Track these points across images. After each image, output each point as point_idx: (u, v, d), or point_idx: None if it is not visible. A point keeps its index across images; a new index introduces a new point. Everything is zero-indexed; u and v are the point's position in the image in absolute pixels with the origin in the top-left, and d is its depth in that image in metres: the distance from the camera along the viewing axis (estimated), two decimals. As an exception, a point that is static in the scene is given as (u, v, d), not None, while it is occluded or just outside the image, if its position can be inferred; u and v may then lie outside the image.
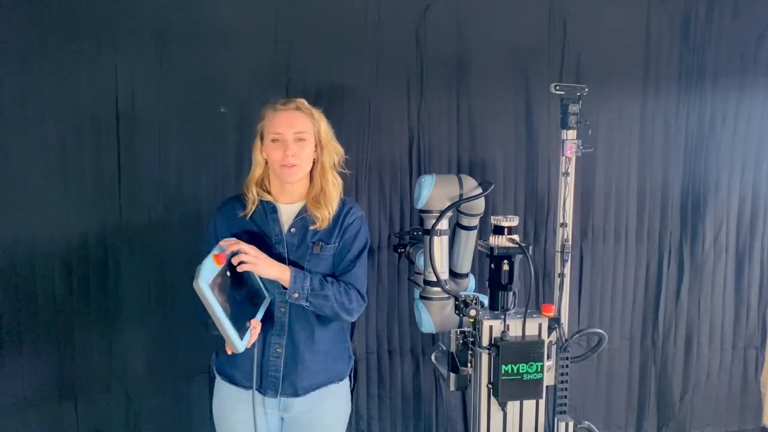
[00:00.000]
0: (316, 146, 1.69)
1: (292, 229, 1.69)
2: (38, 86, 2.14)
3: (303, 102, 1.70)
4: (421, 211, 1.98)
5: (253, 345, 1.59)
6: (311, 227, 1.69)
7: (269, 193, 1.71)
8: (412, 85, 2.51)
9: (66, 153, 2.20)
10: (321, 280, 1.66)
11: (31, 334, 2.19)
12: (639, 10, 2.60)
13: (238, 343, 1.49)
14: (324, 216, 1.68)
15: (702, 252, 2.71)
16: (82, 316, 2.26)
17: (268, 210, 1.70)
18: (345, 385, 1.81)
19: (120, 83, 2.23)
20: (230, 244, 1.55)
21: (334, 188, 1.71)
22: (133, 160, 2.28)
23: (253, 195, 1.69)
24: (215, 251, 1.51)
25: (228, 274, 1.51)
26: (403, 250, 2.26)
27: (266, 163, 1.70)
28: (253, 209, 1.69)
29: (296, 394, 1.70)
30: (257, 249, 1.58)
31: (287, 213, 1.71)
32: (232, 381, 1.72)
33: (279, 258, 1.66)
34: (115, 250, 2.29)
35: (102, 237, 2.27)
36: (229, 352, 1.55)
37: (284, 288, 1.61)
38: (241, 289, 1.57)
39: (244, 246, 1.55)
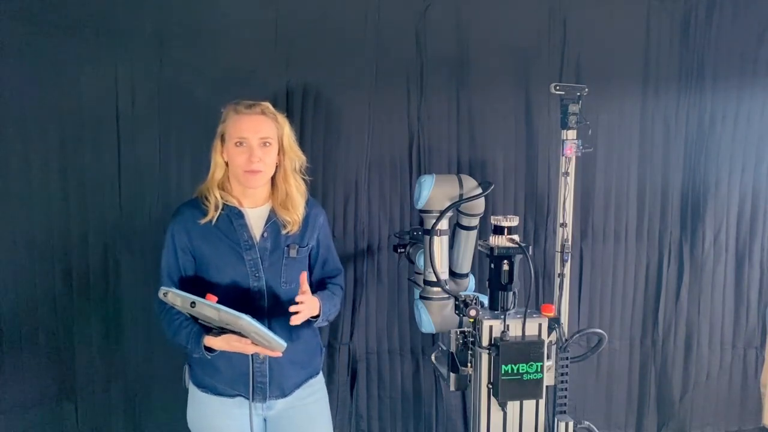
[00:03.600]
0: (279, 151, 1.68)
1: (265, 234, 1.67)
2: (38, 86, 2.14)
3: (268, 106, 1.68)
4: (421, 211, 1.98)
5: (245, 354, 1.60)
6: (283, 231, 1.68)
7: (231, 195, 1.68)
8: (412, 85, 2.51)
9: (66, 153, 2.20)
10: (330, 296, 1.71)
11: (31, 334, 2.19)
12: (639, 11, 2.60)
13: (282, 341, 1.52)
14: (294, 220, 1.68)
15: (702, 252, 2.71)
16: (82, 315, 2.26)
17: (234, 216, 1.66)
18: (321, 377, 1.84)
19: (120, 83, 2.23)
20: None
21: (299, 192, 1.71)
22: (133, 160, 2.28)
23: (215, 199, 1.64)
24: (198, 299, 1.47)
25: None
26: (403, 250, 2.26)
27: (226, 165, 1.67)
28: (217, 215, 1.64)
29: (283, 395, 1.71)
30: (308, 299, 1.60)
31: (255, 217, 1.69)
32: (215, 392, 1.70)
33: (253, 264, 1.64)
34: (115, 250, 2.29)
35: (102, 237, 2.27)
36: (279, 355, 1.54)
37: (313, 318, 1.65)
38: None
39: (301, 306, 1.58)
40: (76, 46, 2.17)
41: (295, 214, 1.68)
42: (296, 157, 1.72)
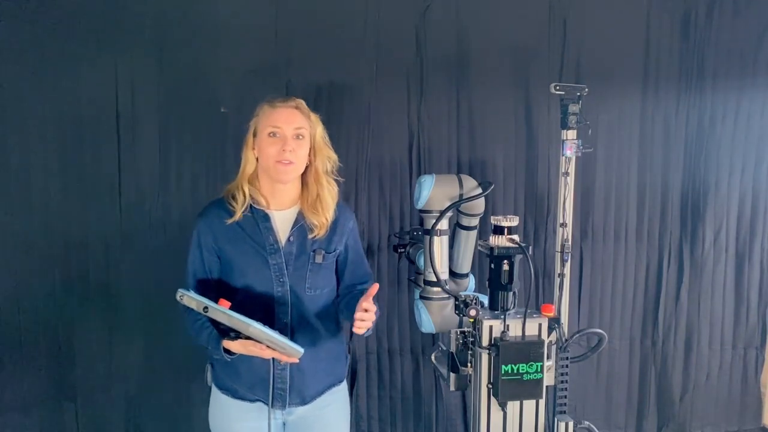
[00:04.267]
0: (310, 150, 1.65)
1: (291, 238, 1.64)
2: (38, 86, 2.14)
3: (302, 102, 1.66)
4: (421, 211, 1.98)
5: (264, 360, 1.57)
6: (310, 236, 1.65)
7: (260, 194, 1.64)
8: (412, 85, 2.51)
9: (66, 153, 2.20)
10: (375, 302, 1.66)
11: (31, 335, 2.19)
12: (639, 10, 2.60)
13: (299, 347, 1.50)
14: (322, 223, 1.64)
15: (702, 252, 2.71)
16: (82, 316, 2.26)
17: (259, 218, 1.63)
18: (344, 385, 1.81)
19: (120, 83, 2.24)
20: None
21: (330, 194, 1.67)
22: (133, 160, 2.28)
23: (244, 196, 1.61)
24: (211, 304, 1.46)
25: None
26: (403, 250, 2.26)
27: (257, 161, 1.64)
28: (243, 215, 1.61)
29: (303, 403, 1.69)
30: (373, 307, 1.54)
31: (281, 220, 1.65)
32: (234, 395, 1.68)
33: (277, 269, 1.62)
34: (115, 250, 2.29)
35: (102, 237, 2.27)
36: (296, 361, 1.52)
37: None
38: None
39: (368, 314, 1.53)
40: (76, 46, 2.17)
41: (323, 217, 1.65)
42: (328, 158, 1.68)
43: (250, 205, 1.63)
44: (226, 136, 2.37)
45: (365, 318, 1.53)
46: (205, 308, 1.45)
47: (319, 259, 1.65)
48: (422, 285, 2.04)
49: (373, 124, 2.47)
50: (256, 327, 1.44)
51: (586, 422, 1.94)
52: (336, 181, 1.71)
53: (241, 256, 1.62)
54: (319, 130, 1.67)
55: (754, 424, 2.84)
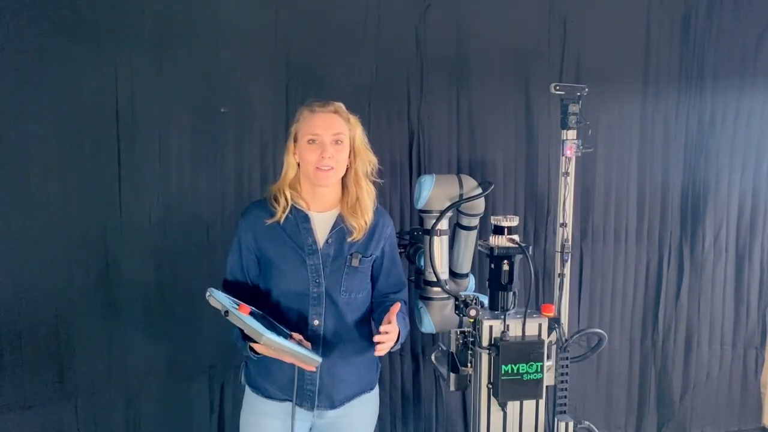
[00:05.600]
0: (350, 152, 1.66)
1: (329, 240, 1.65)
2: (38, 86, 2.14)
3: (341, 106, 1.67)
4: (421, 211, 1.99)
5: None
6: (348, 239, 1.66)
7: (301, 198, 1.66)
8: (412, 85, 2.51)
9: (66, 153, 2.20)
10: (402, 317, 1.67)
11: (31, 334, 2.19)
12: (639, 10, 2.60)
13: (316, 356, 1.51)
14: (360, 225, 1.65)
15: (702, 252, 2.71)
16: (82, 315, 2.26)
17: (300, 219, 1.65)
18: (375, 393, 1.80)
19: (120, 83, 2.23)
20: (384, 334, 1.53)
21: (368, 196, 1.68)
22: (133, 160, 2.28)
23: (285, 199, 1.63)
24: (234, 305, 1.47)
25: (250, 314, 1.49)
26: (403, 250, 2.26)
27: (298, 166, 1.66)
28: (284, 216, 1.63)
29: (332, 406, 1.69)
30: (392, 328, 1.55)
31: (321, 222, 1.66)
32: (265, 394, 1.69)
33: (314, 270, 1.63)
34: (115, 250, 2.28)
35: (102, 237, 2.26)
36: (313, 369, 1.54)
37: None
38: (264, 319, 1.56)
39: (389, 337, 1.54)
40: (76, 46, 2.17)
41: (362, 220, 1.66)
42: (368, 160, 1.69)
43: (292, 205, 1.65)
44: (226, 136, 2.37)
45: (384, 340, 1.53)
46: (226, 312, 1.44)
47: (355, 262, 1.66)
48: (422, 285, 2.04)
49: (373, 124, 2.47)
50: (267, 337, 1.43)
51: (586, 422, 1.94)
52: (374, 183, 1.72)
53: (280, 255, 1.63)
54: (359, 133, 1.68)
55: (754, 424, 2.84)
